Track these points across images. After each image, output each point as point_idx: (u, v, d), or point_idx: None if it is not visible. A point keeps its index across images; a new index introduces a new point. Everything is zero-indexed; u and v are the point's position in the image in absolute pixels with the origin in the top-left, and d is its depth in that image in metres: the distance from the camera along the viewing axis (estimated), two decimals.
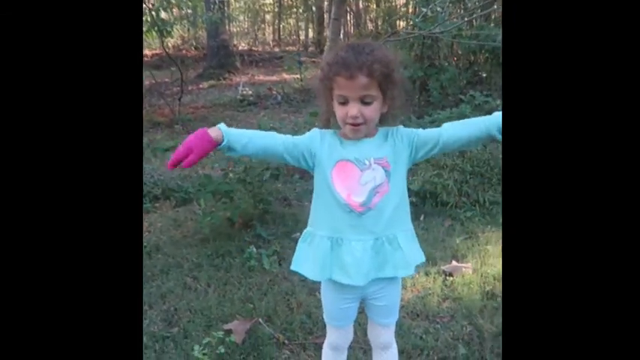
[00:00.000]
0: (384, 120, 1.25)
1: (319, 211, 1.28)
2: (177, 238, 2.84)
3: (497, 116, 1.17)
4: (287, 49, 13.32)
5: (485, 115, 1.21)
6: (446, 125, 1.23)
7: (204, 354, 1.72)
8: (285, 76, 9.66)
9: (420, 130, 1.26)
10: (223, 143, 1.16)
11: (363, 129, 1.19)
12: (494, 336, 1.82)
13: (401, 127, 1.27)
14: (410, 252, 1.25)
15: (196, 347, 1.76)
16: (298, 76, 8.46)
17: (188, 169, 3.92)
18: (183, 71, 6.81)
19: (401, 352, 1.61)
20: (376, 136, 1.25)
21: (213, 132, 1.16)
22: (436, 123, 3.73)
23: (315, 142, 1.25)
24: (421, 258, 1.32)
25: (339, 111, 1.19)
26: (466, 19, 4.99)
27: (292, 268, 1.31)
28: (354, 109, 1.15)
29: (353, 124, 1.17)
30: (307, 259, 1.28)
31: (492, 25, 5.41)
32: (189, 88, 8.59)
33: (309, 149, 1.24)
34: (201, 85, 9.14)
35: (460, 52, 6.08)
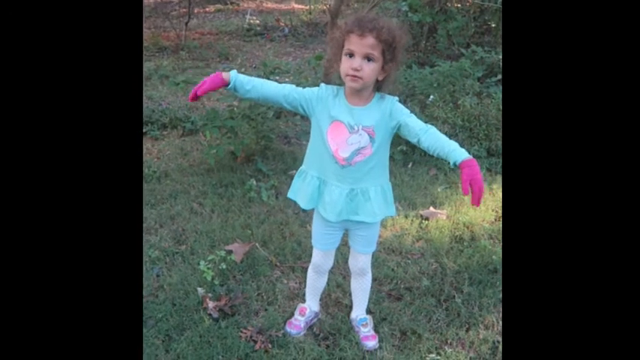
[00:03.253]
0: (379, 87, 1.48)
1: (312, 156, 1.57)
2: (184, 167, 3.10)
3: (460, 155, 1.36)
4: None
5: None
6: (429, 132, 1.41)
7: (208, 268, 2.04)
8: (295, 5, 9.50)
9: (411, 119, 1.45)
10: (230, 85, 1.45)
11: (360, 83, 1.41)
12: (455, 272, 2.14)
13: (396, 102, 1.48)
14: (378, 205, 1.53)
15: (202, 262, 2.07)
16: (307, 7, 8.35)
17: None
18: None
19: (374, 279, 1.92)
20: (370, 104, 1.47)
21: (226, 74, 1.45)
22: (435, 75, 3.89)
23: (321, 99, 1.49)
24: (389, 212, 1.58)
25: (345, 63, 1.41)
26: None
27: (288, 195, 1.64)
28: (357, 61, 1.38)
29: (353, 76, 1.40)
30: (300, 191, 1.60)
31: None
32: (195, 10, 8.48)
33: (310, 103, 1.50)
34: (207, 9, 9.00)
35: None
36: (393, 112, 1.46)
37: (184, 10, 7.28)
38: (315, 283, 1.83)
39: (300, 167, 1.61)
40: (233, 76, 1.45)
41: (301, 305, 1.85)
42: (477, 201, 1.33)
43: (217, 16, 8.61)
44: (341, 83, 1.48)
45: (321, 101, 1.49)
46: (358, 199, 1.52)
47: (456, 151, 1.37)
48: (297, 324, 1.80)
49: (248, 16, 8.09)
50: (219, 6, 9.11)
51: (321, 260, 1.75)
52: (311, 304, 1.85)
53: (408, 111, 1.48)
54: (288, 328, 1.79)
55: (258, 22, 7.83)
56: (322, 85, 1.51)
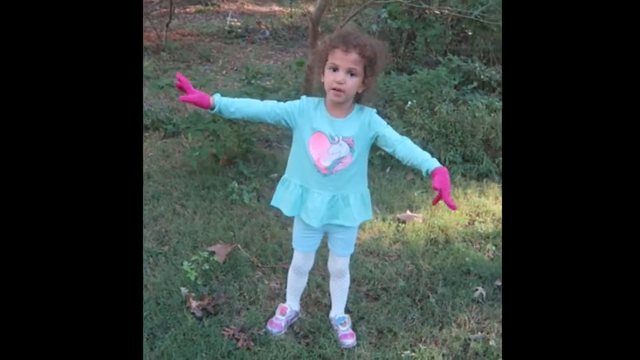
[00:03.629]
0: (359, 99, 1.56)
1: (295, 164, 1.65)
2: (167, 168, 3.13)
3: (432, 164, 1.44)
4: None
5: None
6: (404, 143, 1.51)
7: (191, 269, 2.09)
8: (275, 8, 9.54)
9: (387, 130, 1.55)
10: (215, 109, 1.53)
11: (343, 96, 1.49)
12: (430, 274, 2.24)
13: (375, 114, 1.57)
14: (357, 210, 1.62)
15: (185, 263, 2.12)
16: (288, 10, 8.42)
17: (176, 102, 4.12)
18: None
19: (352, 280, 2.00)
20: (350, 115, 1.56)
21: (211, 99, 1.52)
22: (413, 82, 4.00)
23: (303, 112, 1.57)
24: (367, 217, 1.68)
25: (329, 76, 1.49)
26: None
27: (272, 204, 1.71)
28: (340, 75, 1.46)
29: (336, 89, 1.48)
30: (283, 199, 1.67)
31: None
32: (176, 11, 8.44)
33: (292, 117, 1.58)
34: (188, 9, 8.98)
35: (450, 7, 6.19)
36: (371, 123, 1.55)
37: (165, 10, 7.25)
38: (296, 283, 1.90)
39: (283, 176, 1.69)
40: (217, 100, 1.53)
41: (282, 305, 1.92)
42: (450, 205, 1.37)
43: (198, 17, 8.60)
44: (321, 93, 1.56)
45: (302, 114, 1.57)
46: (339, 205, 1.61)
47: (428, 161, 1.46)
48: (278, 323, 1.86)
49: (229, 18, 8.10)
50: (199, 7, 9.09)
51: (301, 262, 1.82)
52: (291, 304, 1.91)
53: (385, 122, 1.58)
54: (269, 327, 1.85)
55: (239, 24, 7.85)
56: (303, 97, 1.59)
